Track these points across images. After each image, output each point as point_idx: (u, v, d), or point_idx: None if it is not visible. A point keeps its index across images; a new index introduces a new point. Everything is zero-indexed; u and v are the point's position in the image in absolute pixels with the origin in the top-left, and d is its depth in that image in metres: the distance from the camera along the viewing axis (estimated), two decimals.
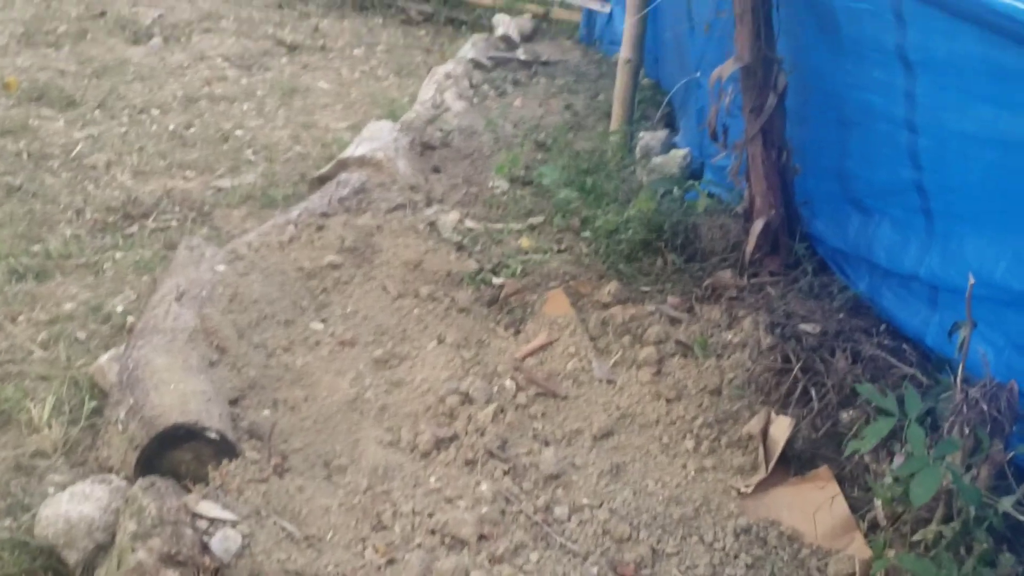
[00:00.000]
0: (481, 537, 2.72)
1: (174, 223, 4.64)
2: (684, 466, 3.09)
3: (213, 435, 2.88)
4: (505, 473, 3.01)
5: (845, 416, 3.02)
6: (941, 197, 2.75)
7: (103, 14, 7.87)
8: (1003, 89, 2.27)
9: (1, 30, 7.20)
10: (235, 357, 3.37)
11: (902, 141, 2.82)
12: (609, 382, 3.45)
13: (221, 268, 3.78)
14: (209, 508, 2.73)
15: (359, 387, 3.37)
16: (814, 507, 2.81)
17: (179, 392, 2.97)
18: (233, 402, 3.18)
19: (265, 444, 3.06)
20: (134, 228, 4.59)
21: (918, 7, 2.47)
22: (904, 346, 3.13)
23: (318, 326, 3.69)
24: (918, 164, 2.79)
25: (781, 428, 3.03)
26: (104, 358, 3.43)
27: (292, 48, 7.79)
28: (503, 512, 2.85)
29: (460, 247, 4.25)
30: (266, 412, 3.21)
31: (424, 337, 3.66)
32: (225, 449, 2.92)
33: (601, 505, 2.93)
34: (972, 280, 2.36)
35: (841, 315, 3.34)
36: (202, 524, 2.66)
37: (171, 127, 5.82)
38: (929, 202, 2.81)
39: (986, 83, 2.31)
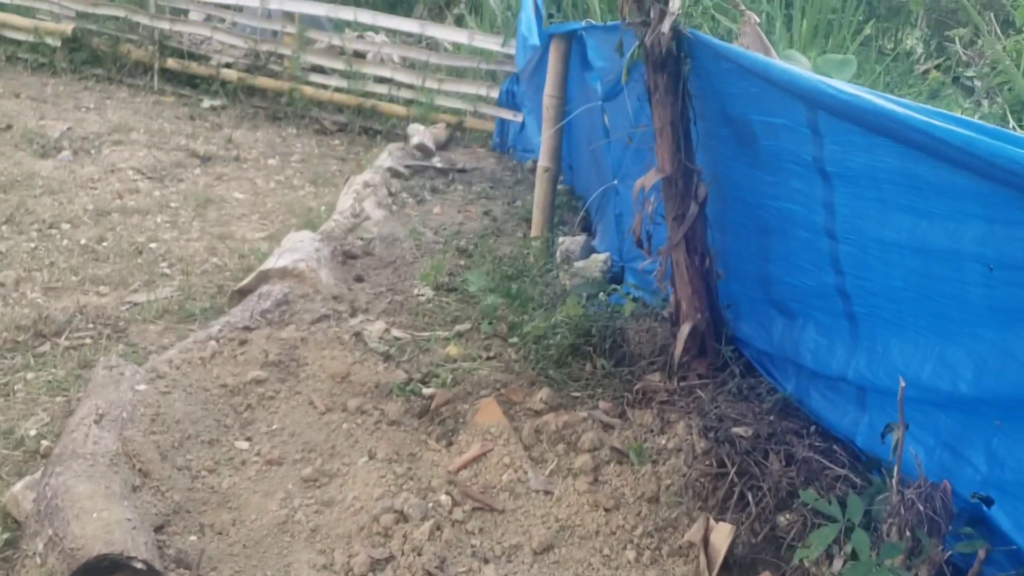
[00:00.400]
0: None
1: (88, 340, 4.48)
2: None
3: (139, 565, 2.74)
4: None
5: (783, 520, 3.03)
6: (864, 301, 2.84)
7: (9, 127, 7.72)
8: (919, 199, 2.38)
9: None
10: (159, 481, 3.23)
11: (823, 248, 2.92)
12: (546, 493, 3.41)
13: (142, 387, 3.65)
14: None
15: (288, 508, 3.26)
16: None
17: (102, 521, 2.83)
18: (158, 529, 3.03)
19: (193, 573, 2.92)
20: (45, 347, 4.42)
21: (834, 122, 2.59)
22: (835, 447, 3.18)
23: (243, 444, 3.58)
24: (840, 269, 2.88)
25: (722, 535, 3.03)
26: (18, 486, 3.24)
27: (205, 159, 7.74)
28: None
29: (387, 357, 4.21)
30: (193, 538, 3.06)
31: (354, 453, 3.58)
32: None
33: None
34: (903, 383, 2.43)
35: (772, 417, 3.39)
36: None
37: (82, 241, 5.68)
38: (852, 306, 2.90)
39: (903, 193, 2.41)
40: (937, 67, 7.38)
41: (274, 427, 3.68)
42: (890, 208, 2.49)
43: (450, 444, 3.69)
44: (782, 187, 3.06)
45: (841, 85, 2.48)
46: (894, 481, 2.49)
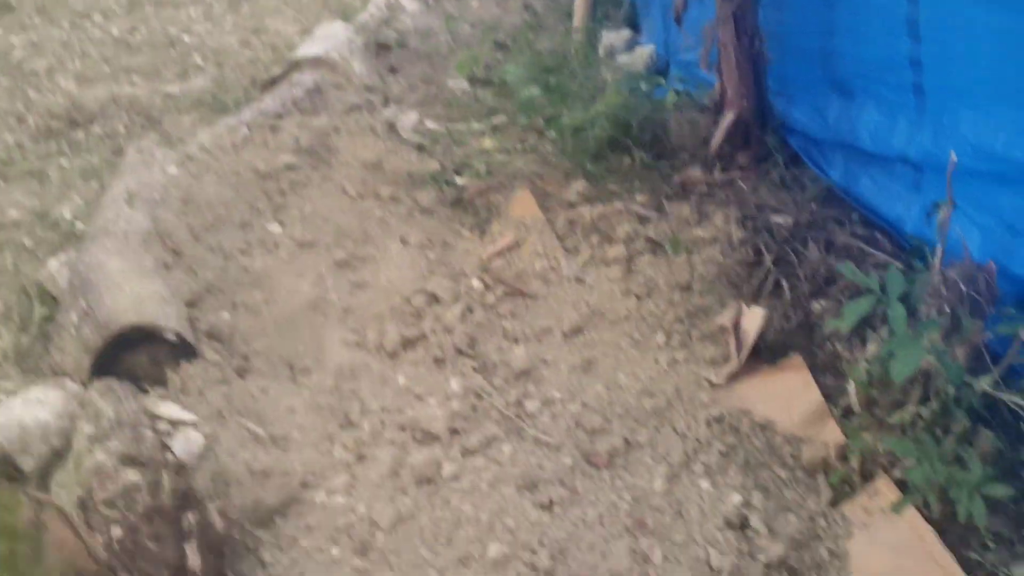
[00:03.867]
0: (452, 431, 2.66)
1: (121, 129, 4.44)
2: (656, 360, 3.04)
3: (170, 336, 2.78)
4: (475, 370, 2.95)
5: (817, 306, 2.98)
6: (938, 70, 2.65)
7: None
8: None
9: None
10: (191, 260, 3.24)
11: (900, 12, 2.71)
12: (578, 280, 3.38)
13: (173, 170, 3.61)
14: (169, 410, 2.64)
15: (321, 289, 3.27)
16: (787, 395, 2.79)
17: (134, 294, 2.85)
18: (190, 304, 3.06)
19: (225, 346, 2.96)
20: (79, 134, 4.39)
21: None
22: (877, 235, 3.08)
23: (276, 228, 3.56)
24: (916, 35, 2.68)
25: (753, 320, 2.99)
26: (53, 264, 3.29)
27: None
28: (474, 407, 2.79)
29: (420, 147, 4.12)
30: (225, 315, 3.09)
31: (386, 238, 3.55)
32: (183, 351, 2.82)
33: (573, 398, 2.88)
34: (954, 158, 2.30)
35: (814, 206, 3.28)
36: (162, 426, 2.57)
37: (115, 32, 5.56)
38: (923, 77, 2.71)
39: None
40: None
41: (306, 212, 3.65)
42: None
43: (483, 233, 3.64)
44: None
45: None
46: (937, 260, 2.40)
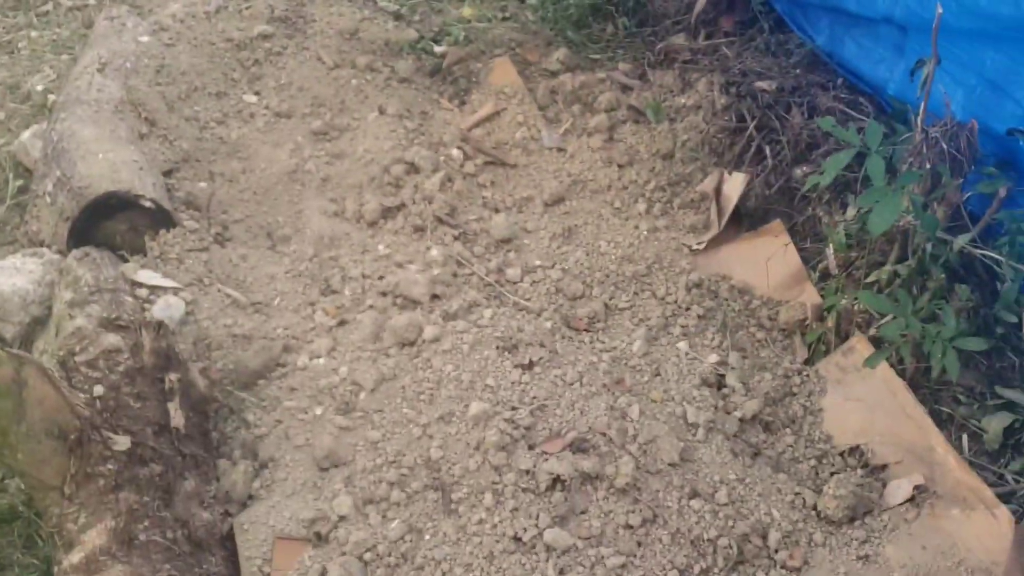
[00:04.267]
0: (434, 297, 2.67)
1: (92, 1, 4.30)
2: (636, 227, 3.04)
3: (147, 203, 2.75)
4: (455, 238, 2.94)
5: (799, 172, 2.97)
6: None
7: None
8: None
9: None
10: (166, 130, 3.18)
11: None
12: (559, 150, 3.34)
13: (145, 39, 3.51)
14: (149, 276, 2.63)
15: (299, 159, 3.22)
16: (766, 259, 2.80)
17: (109, 162, 2.81)
18: (167, 174, 3.02)
19: (203, 214, 2.94)
20: (48, 6, 4.25)
21: None
22: (861, 99, 3.05)
23: (251, 98, 3.49)
24: None
25: (735, 185, 2.98)
26: (26, 135, 3.25)
27: None
28: (455, 274, 2.79)
29: (398, 16, 4.01)
30: (202, 184, 3.06)
31: (364, 108, 3.49)
32: (161, 219, 2.79)
33: (554, 266, 2.89)
34: (940, 10, 2.25)
35: (798, 71, 3.23)
36: (142, 292, 2.57)
37: None
38: None
39: None
40: None
41: (282, 81, 3.57)
42: None
43: (462, 103, 3.58)
44: None
45: None
46: (919, 119, 2.38)
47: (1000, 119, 2.38)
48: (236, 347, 2.52)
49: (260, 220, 3.01)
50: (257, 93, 3.52)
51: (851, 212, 2.70)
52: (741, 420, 2.43)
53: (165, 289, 2.59)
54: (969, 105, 2.47)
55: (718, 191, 3.02)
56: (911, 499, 2.24)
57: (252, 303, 2.69)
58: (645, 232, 3.01)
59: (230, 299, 2.65)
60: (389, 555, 2.09)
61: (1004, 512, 2.17)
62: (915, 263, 2.34)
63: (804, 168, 2.96)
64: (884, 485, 2.30)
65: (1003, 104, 2.38)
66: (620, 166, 3.25)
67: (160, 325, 2.30)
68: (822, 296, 2.66)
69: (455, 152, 3.27)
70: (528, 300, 2.75)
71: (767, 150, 3.06)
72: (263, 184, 3.12)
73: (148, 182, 2.82)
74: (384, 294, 2.68)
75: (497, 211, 3.09)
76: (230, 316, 2.59)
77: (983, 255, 2.32)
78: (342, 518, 2.16)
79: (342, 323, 2.61)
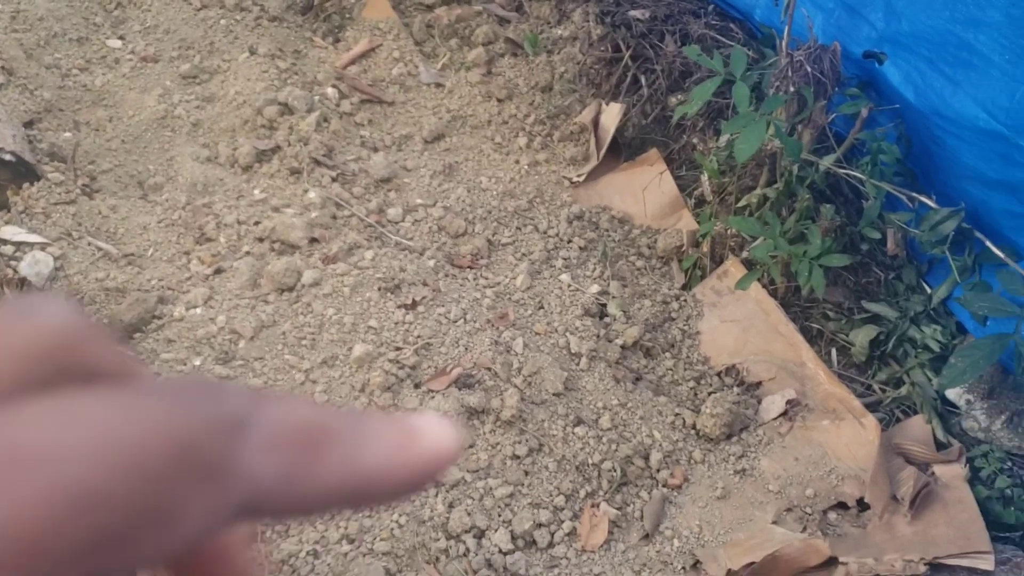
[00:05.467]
0: (312, 240, 2.63)
1: None
2: (517, 162, 3.04)
3: (7, 157, 2.62)
4: (333, 180, 2.89)
5: (674, 100, 3.00)
6: None
7: None
8: None
9: None
10: (25, 79, 3.02)
11: None
12: (438, 85, 3.30)
13: None
14: (14, 232, 2.52)
15: (167, 104, 3.11)
16: (643, 189, 2.84)
17: None
18: (28, 124, 2.88)
19: (69, 166, 2.81)
20: None
21: None
22: (732, 25, 3.09)
23: (115, 43, 3.34)
24: None
25: (611, 116, 3.00)
26: None
27: None
28: (334, 217, 2.75)
29: None
30: (67, 134, 2.93)
31: (234, 49, 3.37)
32: (23, 172, 2.67)
33: (435, 204, 2.87)
34: None
35: None
36: (7, 249, 2.47)
37: None
38: None
39: None
40: None
41: (147, 24, 3.42)
42: None
43: (337, 41, 3.50)
44: None
45: None
46: (784, 42, 2.42)
47: (857, 42, 2.44)
48: (109, 301, 2.44)
49: (129, 169, 2.91)
50: (121, 38, 3.36)
51: (724, 139, 2.75)
52: (623, 347, 2.48)
53: (32, 245, 2.49)
54: (828, 28, 2.52)
55: (596, 122, 3.04)
56: (784, 413, 2.34)
57: (124, 255, 2.61)
58: (526, 166, 3.02)
59: (101, 252, 2.56)
60: None
61: (871, 420, 2.28)
62: (783, 186, 2.41)
63: (679, 97, 2.99)
64: (759, 401, 2.39)
65: (859, 27, 2.44)
66: (499, 100, 3.23)
67: (27, 285, 2.21)
68: (698, 222, 2.72)
69: (330, 91, 3.20)
70: (410, 239, 2.73)
71: (643, 79, 3.08)
72: (131, 132, 3.00)
73: (7, 134, 2.68)
74: (261, 240, 2.63)
75: (376, 150, 3.05)
76: (102, 270, 2.51)
77: (847, 175, 2.40)
78: None
79: (218, 271, 2.55)
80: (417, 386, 2.27)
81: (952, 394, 2.40)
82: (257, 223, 2.68)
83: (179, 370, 2.32)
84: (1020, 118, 1.97)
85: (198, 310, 2.45)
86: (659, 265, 2.73)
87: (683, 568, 2.14)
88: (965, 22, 2.07)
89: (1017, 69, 1.96)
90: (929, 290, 2.52)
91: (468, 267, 2.70)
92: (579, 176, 2.95)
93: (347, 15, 3.58)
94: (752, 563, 2.04)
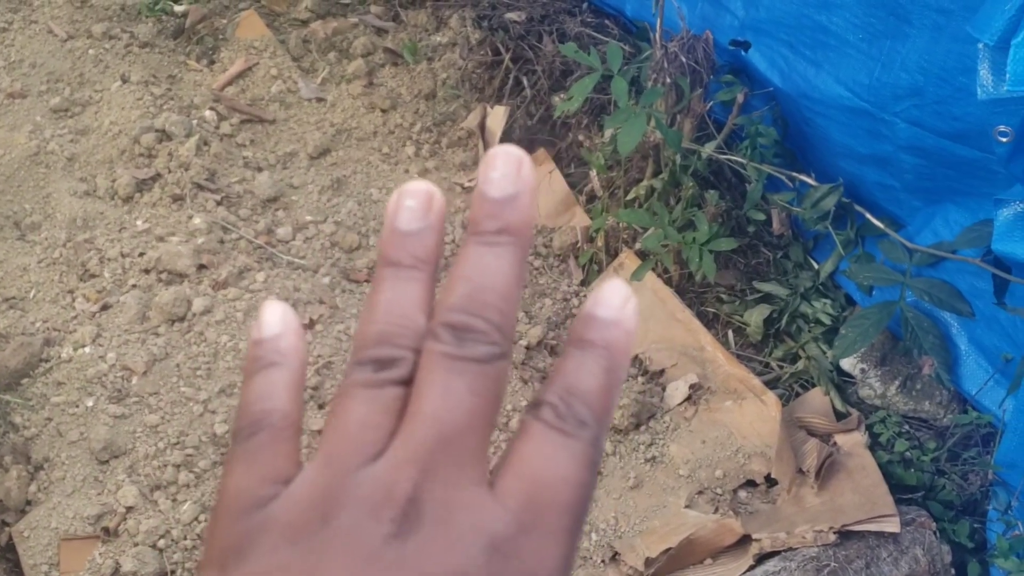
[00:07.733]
0: (200, 267, 2.57)
1: None
2: (407, 171, 3.02)
3: None
4: (218, 204, 2.83)
5: (556, 99, 3.03)
6: None
7: None
8: None
9: None
10: None
11: None
12: (319, 100, 3.26)
13: None
14: None
15: (39, 140, 3.00)
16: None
17: None
18: None
19: None
20: None
21: None
22: (607, 22, 3.13)
23: None
24: None
25: (496, 119, 3.01)
26: None
27: None
28: (221, 241, 2.69)
29: None
30: None
31: (105, 79, 3.27)
32: None
33: (326, 220, 2.84)
34: None
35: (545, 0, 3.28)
36: None
37: None
38: None
39: None
40: None
41: (12, 59, 3.30)
42: None
43: (212, 63, 3.42)
44: None
45: None
46: (657, 35, 2.46)
47: (722, 31, 2.50)
48: None
49: (4, 210, 2.80)
50: None
51: (608, 134, 2.78)
52: (527, 348, 2.48)
53: None
54: (694, 19, 2.57)
55: (482, 127, 3.04)
56: (688, 398, 2.37)
57: (5, 299, 2.51)
58: (416, 175, 3.00)
59: None
60: (184, 538, 2.02)
61: (772, 397, 2.33)
62: (667, 176, 2.45)
63: (561, 95, 3.02)
64: (663, 389, 2.42)
65: (722, 16, 2.51)
66: (383, 111, 3.21)
67: None
68: (591, 218, 2.74)
69: (208, 114, 3.13)
70: (302, 258, 2.69)
71: (525, 81, 3.10)
72: (3, 172, 2.89)
73: None
74: (147, 271, 2.56)
75: (260, 170, 2.99)
76: None
77: (729, 160, 2.46)
78: (129, 509, 2.07)
79: (105, 307, 2.47)
80: (321, 407, 2.23)
81: (847, 364, 2.47)
82: (142, 254, 2.61)
83: (72, 413, 2.24)
84: (881, 94, 2.04)
85: (86, 349, 2.37)
86: (557, 263, 2.75)
87: (602, 561, 2.16)
88: (818, 5, 2.14)
89: (872, 47, 2.03)
90: (816, 266, 2.59)
91: (365, 281, 2.67)
92: (470, 181, 2.96)
93: (220, 36, 3.50)
94: (669, 549, 2.07)
